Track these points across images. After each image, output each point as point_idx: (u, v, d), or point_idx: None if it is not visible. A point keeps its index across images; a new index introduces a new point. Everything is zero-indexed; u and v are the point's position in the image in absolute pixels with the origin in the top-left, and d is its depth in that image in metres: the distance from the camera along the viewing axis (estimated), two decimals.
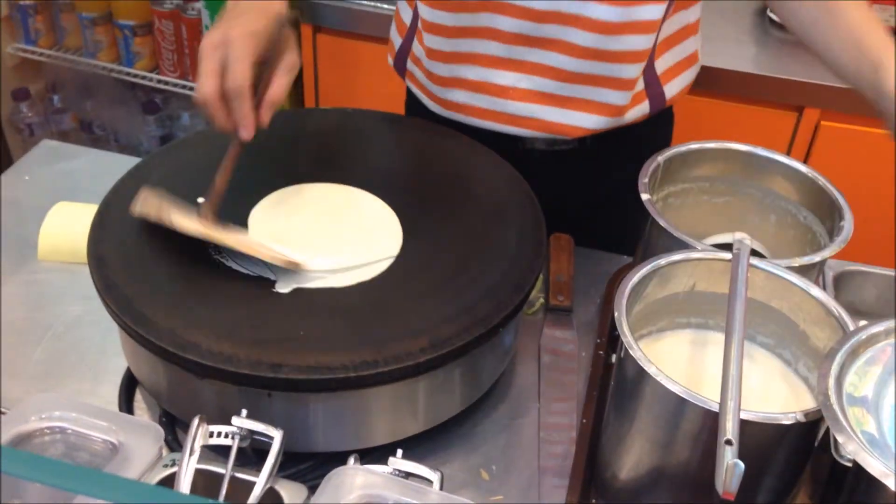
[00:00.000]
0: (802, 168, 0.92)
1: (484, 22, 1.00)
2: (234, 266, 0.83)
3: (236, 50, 0.80)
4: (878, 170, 1.53)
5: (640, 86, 1.04)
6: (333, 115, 1.09)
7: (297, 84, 2.03)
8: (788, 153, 1.62)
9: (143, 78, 2.06)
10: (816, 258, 0.81)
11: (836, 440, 0.61)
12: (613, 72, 1.00)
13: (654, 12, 0.97)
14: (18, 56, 2.14)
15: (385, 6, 1.70)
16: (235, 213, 0.88)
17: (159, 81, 2.06)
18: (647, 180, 0.88)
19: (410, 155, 1.03)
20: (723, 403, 0.62)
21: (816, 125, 1.58)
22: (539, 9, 0.96)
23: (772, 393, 0.77)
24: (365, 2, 1.71)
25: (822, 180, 0.90)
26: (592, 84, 1.01)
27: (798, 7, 0.92)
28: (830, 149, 1.59)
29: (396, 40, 1.15)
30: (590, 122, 1.04)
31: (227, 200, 0.86)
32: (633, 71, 1.01)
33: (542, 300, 1.01)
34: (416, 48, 1.10)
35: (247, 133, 0.82)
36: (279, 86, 0.83)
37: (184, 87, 2.03)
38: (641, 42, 0.98)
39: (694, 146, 0.94)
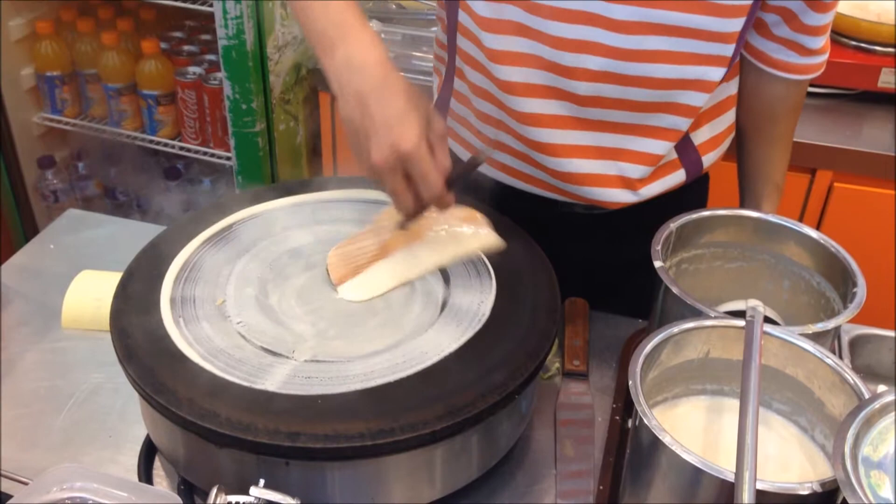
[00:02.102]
0: (813, 234, 0.93)
1: (530, 108, 1.00)
2: (251, 335, 0.85)
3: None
4: (892, 231, 1.54)
5: (673, 155, 1.05)
6: (343, 182, 1.08)
7: (316, 151, 2.07)
8: (802, 214, 1.63)
9: (166, 145, 2.11)
10: (830, 325, 0.81)
11: None
12: (649, 148, 1.02)
13: (696, 99, 0.99)
14: (45, 125, 2.20)
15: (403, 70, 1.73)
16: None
17: (181, 148, 2.10)
18: (659, 247, 0.89)
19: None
20: (739, 474, 0.62)
21: (829, 187, 1.59)
22: (582, 93, 0.97)
23: (788, 460, 0.76)
24: None
25: (833, 246, 0.91)
26: (628, 161, 1.03)
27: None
28: (844, 210, 1.60)
29: (434, 92, 1.17)
30: (625, 196, 1.05)
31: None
32: (666, 148, 1.02)
33: (557, 365, 1.01)
34: (460, 109, 1.11)
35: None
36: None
37: (205, 153, 2.07)
38: (680, 123, 1.01)
39: (706, 213, 0.96)
